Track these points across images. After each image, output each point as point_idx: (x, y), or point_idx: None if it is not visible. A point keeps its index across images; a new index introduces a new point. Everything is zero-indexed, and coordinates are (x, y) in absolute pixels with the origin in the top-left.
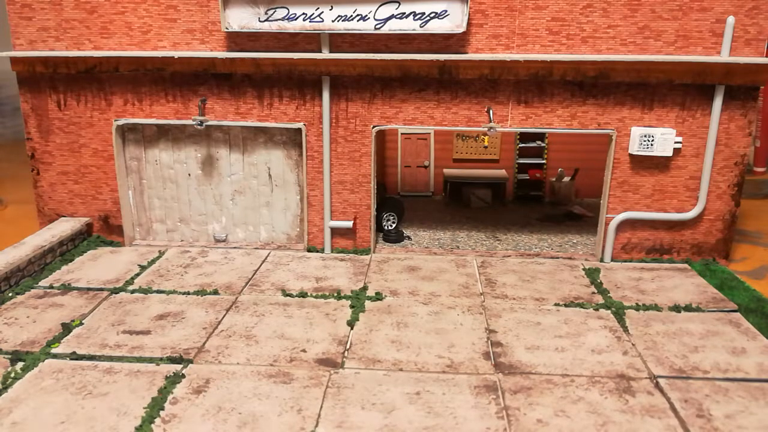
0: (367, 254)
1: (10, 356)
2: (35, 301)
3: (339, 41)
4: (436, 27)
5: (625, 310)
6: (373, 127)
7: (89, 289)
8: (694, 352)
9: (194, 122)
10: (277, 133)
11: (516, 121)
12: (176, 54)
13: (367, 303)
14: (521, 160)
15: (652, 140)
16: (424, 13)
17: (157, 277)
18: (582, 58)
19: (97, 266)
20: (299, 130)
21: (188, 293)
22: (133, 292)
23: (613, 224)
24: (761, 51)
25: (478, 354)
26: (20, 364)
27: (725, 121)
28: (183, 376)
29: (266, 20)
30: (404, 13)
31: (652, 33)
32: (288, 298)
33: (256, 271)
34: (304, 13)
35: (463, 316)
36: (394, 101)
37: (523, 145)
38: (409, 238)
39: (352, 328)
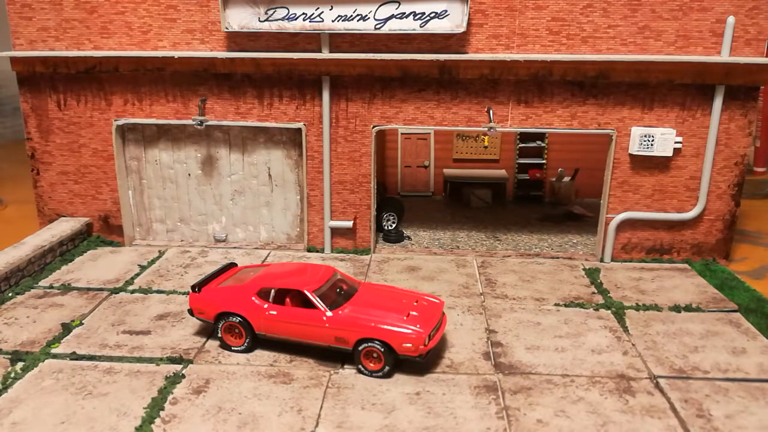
0: (367, 254)
1: (10, 356)
2: (35, 301)
3: (339, 41)
4: (436, 27)
5: (625, 310)
6: (373, 127)
7: (89, 289)
8: (694, 352)
9: (194, 122)
10: (277, 133)
11: (516, 121)
12: (176, 54)
13: None
14: (521, 160)
15: (652, 140)
16: (424, 13)
17: (157, 277)
18: (582, 58)
19: (97, 266)
20: (299, 130)
21: (188, 293)
22: (133, 292)
23: (613, 224)
24: (761, 51)
25: (478, 354)
26: (20, 364)
27: (725, 121)
28: (183, 376)
29: (266, 20)
30: (404, 13)
31: (652, 33)
32: None
33: None
34: (304, 13)
35: (463, 316)
36: (394, 101)
37: (523, 145)
38: (409, 238)
39: None
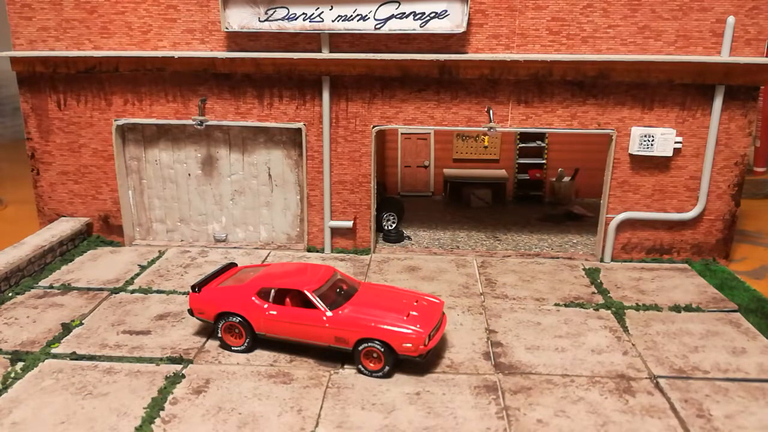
0: (367, 254)
1: (10, 356)
2: (35, 301)
3: (339, 41)
4: (436, 27)
5: (625, 310)
6: (373, 127)
7: (89, 289)
8: (694, 352)
9: (194, 122)
10: (277, 133)
11: (516, 121)
12: (176, 54)
13: None
14: (521, 160)
15: (652, 140)
16: (424, 13)
17: (157, 277)
18: (582, 58)
19: (97, 266)
20: (299, 130)
21: (188, 293)
22: (133, 292)
23: (613, 224)
24: (761, 51)
25: (478, 354)
26: (20, 364)
27: (725, 121)
28: (183, 376)
29: (266, 20)
30: (404, 13)
31: (652, 33)
32: None
33: None
34: (304, 13)
35: (463, 316)
36: (394, 101)
37: (523, 145)
38: (409, 238)
39: None
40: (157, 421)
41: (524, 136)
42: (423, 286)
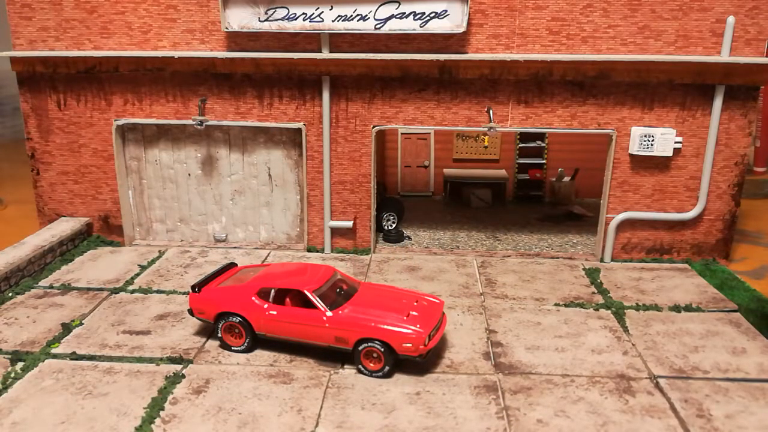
0: (367, 254)
1: (10, 356)
2: (35, 301)
3: (339, 41)
4: (436, 27)
5: (625, 310)
6: (373, 127)
7: (89, 289)
8: (694, 352)
9: (194, 122)
10: (277, 133)
11: (516, 121)
12: (176, 54)
13: None
14: (521, 160)
15: (652, 140)
16: (424, 13)
17: (157, 277)
18: (582, 58)
19: (97, 266)
20: (299, 130)
21: (188, 293)
22: (133, 292)
23: (613, 224)
24: (761, 51)
25: (478, 354)
26: (20, 364)
27: (725, 121)
28: (183, 376)
29: (266, 20)
30: (404, 13)
31: (652, 33)
32: None
33: None
34: (304, 13)
35: (463, 316)
36: (394, 101)
37: (523, 145)
38: (409, 238)
39: None
40: (157, 421)
41: (524, 136)
42: (423, 286)
